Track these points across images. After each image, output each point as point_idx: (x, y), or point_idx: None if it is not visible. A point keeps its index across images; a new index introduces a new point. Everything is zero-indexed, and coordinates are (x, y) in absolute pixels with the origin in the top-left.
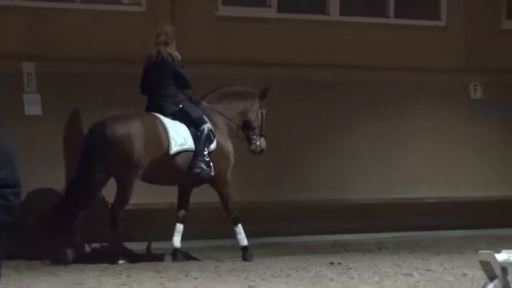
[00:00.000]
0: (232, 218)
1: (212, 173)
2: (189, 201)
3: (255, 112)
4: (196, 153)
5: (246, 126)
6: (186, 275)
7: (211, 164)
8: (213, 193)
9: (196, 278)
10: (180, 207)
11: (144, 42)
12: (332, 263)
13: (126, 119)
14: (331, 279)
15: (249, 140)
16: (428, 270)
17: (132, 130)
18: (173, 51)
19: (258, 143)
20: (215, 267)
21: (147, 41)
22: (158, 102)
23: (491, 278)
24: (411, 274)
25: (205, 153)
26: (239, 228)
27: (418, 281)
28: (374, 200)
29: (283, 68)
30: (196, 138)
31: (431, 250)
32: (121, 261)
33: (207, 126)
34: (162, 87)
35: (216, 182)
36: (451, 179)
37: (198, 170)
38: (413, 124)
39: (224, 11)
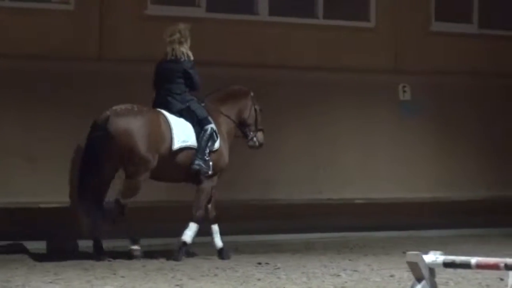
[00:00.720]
0: (195, 215)
1: (210, 172)
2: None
3: (249, 109)
4: (197, 151)
5: (241, 123)
6: (114, 274)
7: (211, 163)
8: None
9: (123, 276)
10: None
11: (72, 40)
12: (259, 263)
13: (129, 114)
14: (259, 279)
15: (246, 137)
16: (356, 271)
17: (134, 125)
18: (187, 51)
19: (255, 139)
20: (143, 266)
21: (75, 38)
22: (166, 99)
23: (419, 279)
24: (338, 275)
25: (206, 151)
26: (194, 226)
27: (346, 282)
28: (302, 200)
29: (212, 67)
30: (199, 137)
31: (358, 251)
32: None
33: (211, 126)
34: (172, 84)
35: (205, 178)
36: (379, 180)
37: (197, 167)
38: (341, 125)
39: (153, 10)
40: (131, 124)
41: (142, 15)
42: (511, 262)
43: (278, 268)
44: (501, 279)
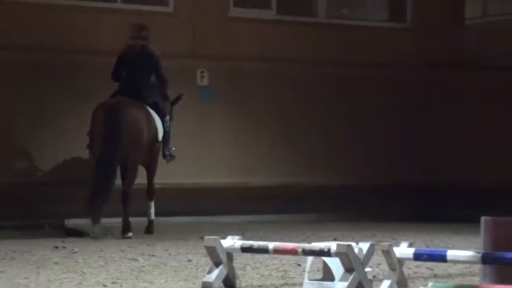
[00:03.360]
0: (153, 194)
1: (176, 159)
2: None
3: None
4: (165, 141)
5: None
6: None
7: (173, 149)
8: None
9: None
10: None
11: None
12: (56, 247)
13: (137, 105)
14: (56, 263)
15: None
16: (153, 255)
17: (144, 115)
18: (154, 47)
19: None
20: None
21: None
22: (140, 92)
23: (217, 263)
24: (136, 259)
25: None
26: (153, 204)
27: (143, 266)
28: None
29: (20, 51)
30: (164, 127)
31: (156, 236)
32: (130, 234)
33: (168, 117)
34: (144, 79)
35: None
36: (178, 165)
37: (169, 157)
38: None
39: None
40: (141, 114)
41: None
42: (308, 248)
43: (76, 252)
44: (299, 265)
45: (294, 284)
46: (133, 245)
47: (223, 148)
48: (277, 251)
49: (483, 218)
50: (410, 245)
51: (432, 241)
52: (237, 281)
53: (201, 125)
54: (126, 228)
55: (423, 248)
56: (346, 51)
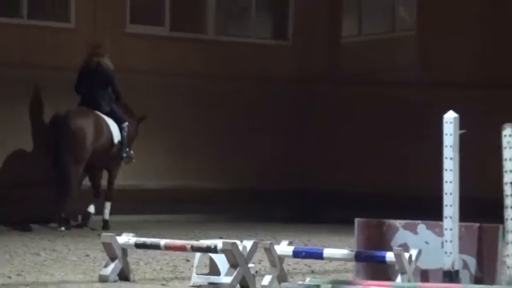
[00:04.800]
0: (112, 195)
1: (133, 161)
2: None
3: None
4: (122, 145)
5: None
6: None
7: (132, 152)
8: None
9: None
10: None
11: None
12: None
13: (86, 114)
14: None
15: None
16: (54, 250)
17: (90, 123)
18: (110, 62)
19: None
20: None
21: None
22: (97, 101)
23: (112, 258)
24: (38, 254)
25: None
26: (109, 205)
27: (45, 260)
28: None
29: None
30: (121, 133)
31: (57, 233)
32: (62, 228)
33: (127, 123)
34: (101, 91)
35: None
36: None
37: (127, 159)
38: (24, 119)
39: None
40: (88, 121)
41: None
42: (197, 245)
43: None
44: (188, 260)
45: (183, 278)
46: (36, 241)
47: None
48: (168, 247)
49: (356, 220)
50: (289, 244)
51: (310, 241)
52: (131, 275)
53: None
54: (60, 222)
55: (302, 246)
56: (232, 66)
